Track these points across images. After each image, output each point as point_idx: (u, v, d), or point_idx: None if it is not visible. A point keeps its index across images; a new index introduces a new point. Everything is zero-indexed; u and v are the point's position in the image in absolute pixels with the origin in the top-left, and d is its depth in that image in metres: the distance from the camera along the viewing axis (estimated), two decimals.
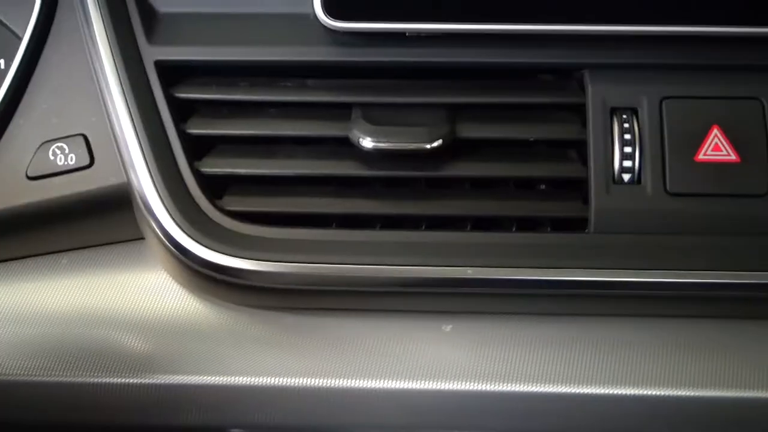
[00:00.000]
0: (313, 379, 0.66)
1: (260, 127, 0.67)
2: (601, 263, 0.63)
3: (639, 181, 0.64)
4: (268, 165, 0.66)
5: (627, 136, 0.64)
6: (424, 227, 0.66)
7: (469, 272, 0.63)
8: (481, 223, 0.66)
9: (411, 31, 0.66)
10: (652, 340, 0.66)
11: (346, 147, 0.66)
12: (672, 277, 0.62)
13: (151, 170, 0.64)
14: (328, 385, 0.66)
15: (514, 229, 0.66)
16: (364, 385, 0.66)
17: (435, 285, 0.64)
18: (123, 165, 0.66)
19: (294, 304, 0.67)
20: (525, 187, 0.68)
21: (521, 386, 0.65)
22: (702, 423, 0.66)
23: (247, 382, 0.66)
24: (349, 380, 0.66)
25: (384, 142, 0.64)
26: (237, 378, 0.66)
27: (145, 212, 0.64)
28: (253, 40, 0.68)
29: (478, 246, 0.64)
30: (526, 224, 0.66)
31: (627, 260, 0.63)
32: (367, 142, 0.64)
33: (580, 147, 0.66)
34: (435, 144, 0.64)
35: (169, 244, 0.64)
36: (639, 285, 0.62)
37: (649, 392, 0.65)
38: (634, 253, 0.63)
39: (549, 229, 0.66)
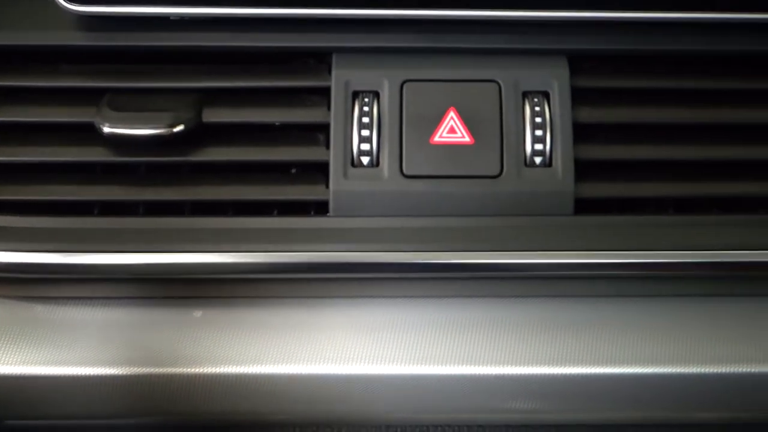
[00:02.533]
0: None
1: (7, 114, 0.66)
2: (338, 246, 0.64)
3: (377, 164, 0.65)
4: (12, 153, 0.66)
5: (365, 120, 0.65)
6: (186, 213, 0.66)
7: (209, 257, 0.64)
8: (247, 208, 0.67)
9: (144, 14, 0.66)
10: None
11: (95, 133, 0.66)
12: (405, 259, 0.64)
13: None
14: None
15: (275, 213, 0.67)
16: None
17: (198, 272, 0.65)
18: None
19: (49, 293, 0.68)
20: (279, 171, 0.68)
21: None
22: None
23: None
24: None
25: (122, 128, 0.64)
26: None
27: None
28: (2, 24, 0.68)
29: (230, 232, 0.65)
30: (290, 208, 0.67)
31: (362, 243, 0.64)
32: (107, 128, 0.64)
33: (329, 131, 0.67)
34: (176, 129, 0.65)
35: None
36: (377, 266, 0.64)
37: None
38: (370, 236, 0.64)
39: (312, 213, 0.67)
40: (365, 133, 0.65)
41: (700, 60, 0.69)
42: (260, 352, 0.66)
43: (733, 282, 0.70)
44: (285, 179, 0.67)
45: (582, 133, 0.67)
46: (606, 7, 0.66)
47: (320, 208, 0.66)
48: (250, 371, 0.65)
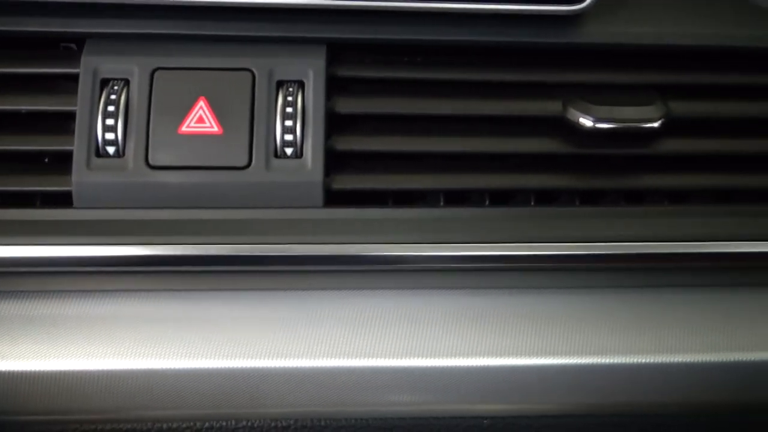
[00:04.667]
0: None
1: None
2: (77, 240, 0.62)
3: (123, 154, 0.63)
4: None
5: (111, 108, 0.63)
6: None
7: None
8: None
9: None
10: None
11: None
12: (151, 251, 0.62)
13: None
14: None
15: (38, 204, 0.65)
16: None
17: None
18: None
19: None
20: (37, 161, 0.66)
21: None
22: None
23: None
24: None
25: None
26: None
27: None
28: None
29: None
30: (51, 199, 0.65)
31: (104, 236, 0.62)
32: None
33: None
34: None
35: None
36: (117, 260, 0.62)
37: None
38: (112, 229, 0.62)
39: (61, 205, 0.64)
40: (110, 122, 0.63)
41: (467, 51, 0.68)
42: None
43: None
44: (37, 169, 0.65)
45: (338, 123, 0.65)
46: None
47: (67, 199, 0.64)
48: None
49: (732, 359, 0.67)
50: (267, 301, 0.66)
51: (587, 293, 0.69)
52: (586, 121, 0.65)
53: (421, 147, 0.66)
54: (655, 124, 0.65)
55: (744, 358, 0.67)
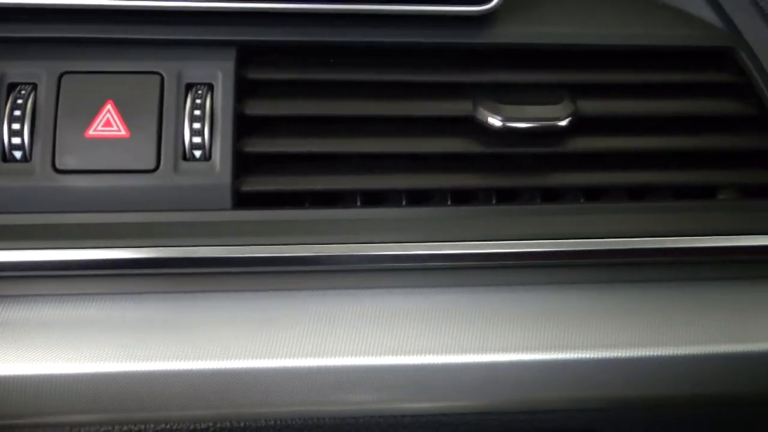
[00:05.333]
0: None
1: None
2: None
3: (30, 158, 0.63)
4: None
5: (17, 113, 0.63)
6: None
7: None
8: None
9: None
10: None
11: None
12: (61, 256, 0.62)
13: None
14: None
15: None
16: None
17: None
18: None
19: None
20: None
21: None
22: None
23: None
24: None
25: None
26: None
27: None
28: None
29: None
30: None
31: (10, 242, 0.62)
32: None
33: None
34: None
35: None
36: (22, 266, 0.62)
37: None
38: (21, 234, 0.62)
39: None
40: (16, 126, 0.63)
41: (379, 52, 0.69)
42: None
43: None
44: None
45: (249, 126, 0.66)
46: None
47: None
48: None
49: (693, 353, 0.68)
50: (194, 304, 0.66)
51: (523, 290, 0.69)
52: (495, 121, 0.66)
53: (332, 148, 0.66)
54: (563, 123, 0.66)
55: (694, 352, 0.68)
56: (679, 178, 0.70)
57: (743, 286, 0.71)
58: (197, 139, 0.64)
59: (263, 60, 0.67)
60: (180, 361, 0.63)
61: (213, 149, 0.64)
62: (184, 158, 0.64)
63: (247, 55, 0.67)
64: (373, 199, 0.68)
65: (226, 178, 0.63)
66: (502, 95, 0.67)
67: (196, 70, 0.65)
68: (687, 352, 0.68)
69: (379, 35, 0.67)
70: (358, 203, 0.68)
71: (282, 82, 0.67)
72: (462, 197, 0.69)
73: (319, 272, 0.66)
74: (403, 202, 0.69)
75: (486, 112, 0.66)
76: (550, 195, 0.70)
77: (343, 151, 0.67)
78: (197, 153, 0.64)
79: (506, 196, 0.70)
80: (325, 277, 0.67)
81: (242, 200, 0.64)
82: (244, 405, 0.65)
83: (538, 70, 0.69)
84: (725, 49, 0.69)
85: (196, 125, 0.64)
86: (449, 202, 0.69)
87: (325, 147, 0.66)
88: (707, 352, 0.68)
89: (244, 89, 0.66)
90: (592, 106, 0.68)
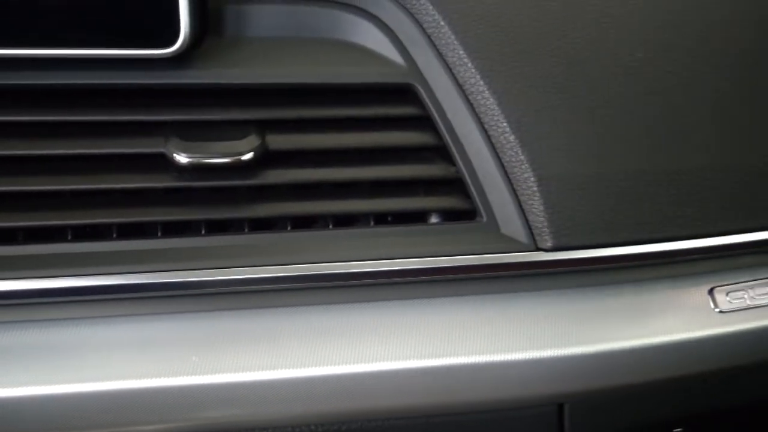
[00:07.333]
0: None
1: None
2: None
3: None
4: None
5: None
6: None
7: None
8: None
9: None
10: None
11: None
12: None
13: None
14: None
15: None
16: None
17: None
18: None
19: None
20: None
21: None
22: None
23: None
24: None
25: None
26: None
27: None
28: None
29: None
30: None
31: None
32: None
33: None
34: None
35: None
36: None
37: None
38: None
39: None
40: None
41: (77, 93, 0.72)
42: None
43: None
44: None
45: None
46: None
47: None
48: None
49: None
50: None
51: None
52: (181, 158, 0.70)
53: (37, 186, 0.70)
54: (246, 157, 0.71)
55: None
56: (381, 206, 0.75)
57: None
58: None
59: None
60: None
61: None
62: None
63: None
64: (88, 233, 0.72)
65: None
66: (192, 133, 0.72)
67: None
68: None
69: (72, 77, 0.71)
70: (69, 237, 0.72)
71: None
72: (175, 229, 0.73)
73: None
74: (114, 235, 0.73)
75: (173, 149, 0.70)
76: (262, 224, 0.75)
77: (50, 189, 0.70)
78: None
79: (218, 227, 0.74)
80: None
81: None
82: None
83: (229, 108, 0.73)
84: (406, 86, 0.75)
85: None
86: (160, 234, 0.73)
87: (24, 185, 0.70)
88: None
89: None
90: (280, 141, 0.73)
